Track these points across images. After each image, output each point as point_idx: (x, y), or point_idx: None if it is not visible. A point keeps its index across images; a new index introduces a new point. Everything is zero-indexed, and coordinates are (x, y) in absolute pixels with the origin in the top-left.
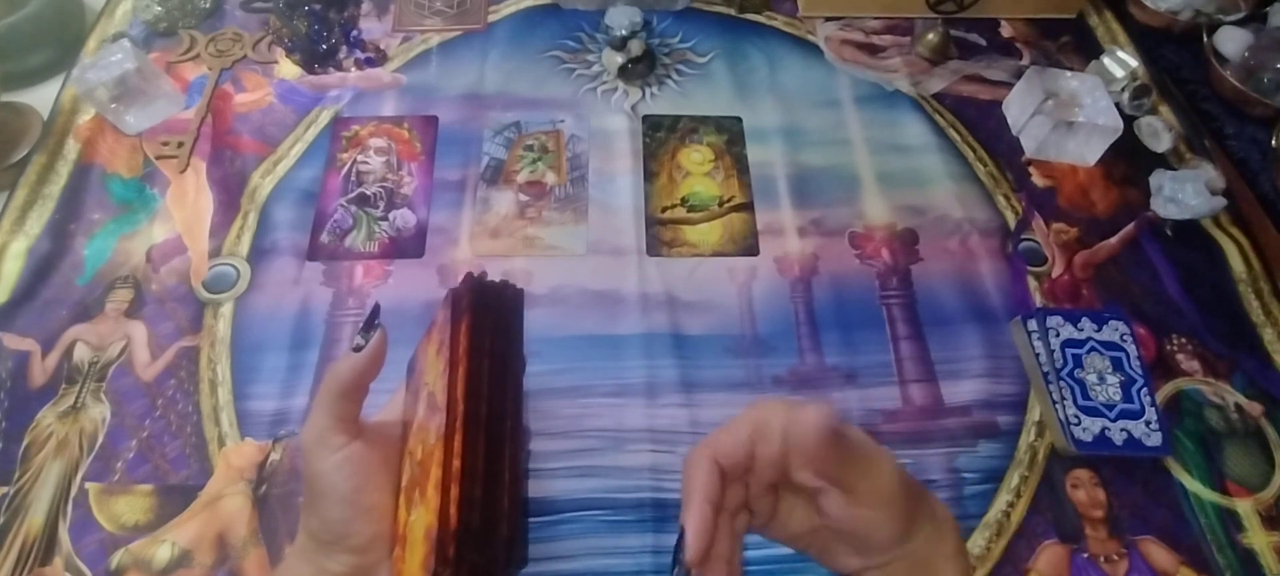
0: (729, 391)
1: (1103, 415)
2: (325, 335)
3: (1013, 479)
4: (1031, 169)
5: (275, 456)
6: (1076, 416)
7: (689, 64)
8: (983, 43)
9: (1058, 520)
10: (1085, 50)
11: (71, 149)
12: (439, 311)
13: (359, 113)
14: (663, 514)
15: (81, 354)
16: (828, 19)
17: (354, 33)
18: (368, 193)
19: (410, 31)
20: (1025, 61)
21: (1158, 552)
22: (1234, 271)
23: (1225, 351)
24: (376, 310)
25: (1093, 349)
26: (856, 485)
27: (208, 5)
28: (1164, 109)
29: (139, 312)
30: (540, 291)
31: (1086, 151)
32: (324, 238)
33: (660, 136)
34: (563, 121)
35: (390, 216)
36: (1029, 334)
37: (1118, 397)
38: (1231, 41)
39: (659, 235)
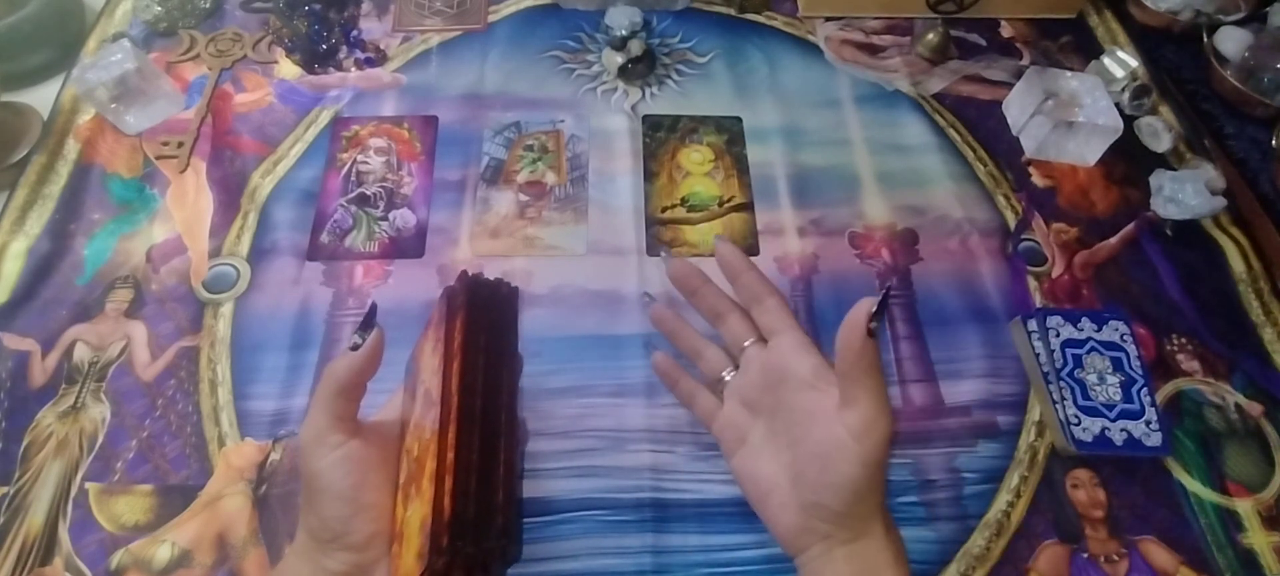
0: None
1: (1103, 415)
2: (325, 335)
3: (1013, 479)
4: (1031, 169)
5: (275, 456)
6: (1076, 416)
7: (689, 64)
8: (983, 43)
9: (1058, 520)
10: (1085, 50)
11: (71, 149)
12: (435, 310)
13: (359, 113)
14: (663, 514)
15: (81, 354)
16: (828, 19)
17: (354, 33)
18: (368, 193)
19: (410, 31)
20: (1025, 61)
21: (1158, 553)
22: (1234, 271)
23: (1225, 351)
24: (374, 309)
25: (1093, 349)
26: (856, 399)
27: (208, 5)
28: (1164, 109)
29: (139, 312)
30: (540, 291)
31: (1086, 151)
32: (324, 238)
33: (660, 136)
34: (563, 121)
35: (390, 216)
36: (1029, 334)
37: (1118, 398)
38: (1231, 41)
39: (659, 235)
